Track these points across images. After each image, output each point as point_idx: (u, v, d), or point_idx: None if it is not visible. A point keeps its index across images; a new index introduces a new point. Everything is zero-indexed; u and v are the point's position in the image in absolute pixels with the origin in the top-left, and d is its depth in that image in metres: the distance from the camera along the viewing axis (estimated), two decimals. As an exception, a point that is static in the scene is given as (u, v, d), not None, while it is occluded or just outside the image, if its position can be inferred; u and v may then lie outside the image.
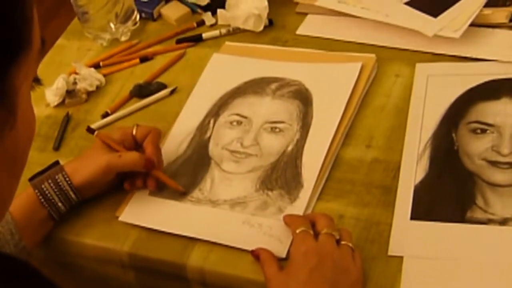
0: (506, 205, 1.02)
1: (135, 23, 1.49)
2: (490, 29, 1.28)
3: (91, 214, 1.15)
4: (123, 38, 1.47)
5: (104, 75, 1.40)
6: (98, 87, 1.38)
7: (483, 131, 1.11)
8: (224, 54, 1.38)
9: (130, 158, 1.13)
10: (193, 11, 1.51)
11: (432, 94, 1.19)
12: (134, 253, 1.10)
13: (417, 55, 1.28)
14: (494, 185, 1.04)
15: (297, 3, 1.45)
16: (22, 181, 1.13)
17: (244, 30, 1.42)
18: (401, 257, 0.99)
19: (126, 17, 1.46)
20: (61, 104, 1.36)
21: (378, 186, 1.09)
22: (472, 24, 1.26)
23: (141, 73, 1.39)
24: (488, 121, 1.12)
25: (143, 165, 1.13)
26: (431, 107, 1.17)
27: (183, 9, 1.51)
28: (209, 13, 1.48)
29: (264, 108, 1.23)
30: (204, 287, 1.06)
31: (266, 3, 1.39)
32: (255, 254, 1.02)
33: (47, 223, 1.12)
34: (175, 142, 1.23)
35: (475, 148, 1.09)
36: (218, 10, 1.46)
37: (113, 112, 1.32)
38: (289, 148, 1.16)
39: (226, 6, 1.43)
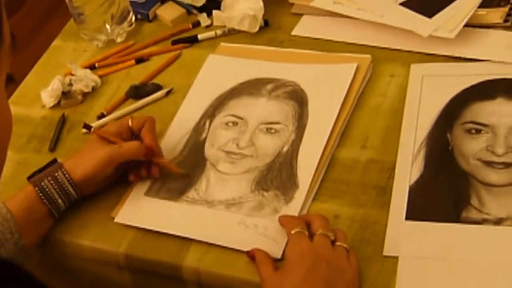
0: (501, 205, 1.02)
1: (131, 24, 1.49)
2: (484, 30, 1.28)
3: (87, 215, 1.15)
4: (118, 39, 1.47)
5: (100, 76, 1.40)
6: (93, 88, 1.38)
7: (478, 131, 1.11)
8: (220, 55, 1.38)
9: (130, 147, 1.14)
10: (189, 12, 1.51)
11: (427, 94, 1.20)
12: (130, 254, 1.10)
13: (412, 55, 1.28)
14: (489, 185, 1.04)
15: (292, 4, 1.45)
16: (20, 182, 1.15)
17: (240, 31, 1.42)
18: (396, 257, 0.99)
19: (122, 18, 1.46)
20: (57, 105, 1.36)
21: (373, 186, 1.09)
22: (467, 25, 1.26)
23: (137, 74, 1.40)
24: (483, 121, 1.12)
25: (143, 153, 1.14)
26: (426, 107, 1.17)
27: (178, 10, 1.51)
28: (204, 14, 1.48)
29: (260, 109, 1.24)
30: (200, 287, 1.07)
31: (261, 4, 1.39)
32: (251, 255, 1.02)
33: (47, 220, 1.12)
34: (171, 143, 1.23)
35: (470, 148, 1.09)
36: (214, 11, 1.46)
37: (108, 113, 1.32)
38: (285, 149, 1.17)
39: (222, 7, 1.43)
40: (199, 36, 1.44)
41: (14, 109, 0.78)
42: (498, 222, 1.00)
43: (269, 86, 1.27)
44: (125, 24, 1.47)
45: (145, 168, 1.17)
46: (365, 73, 1.25)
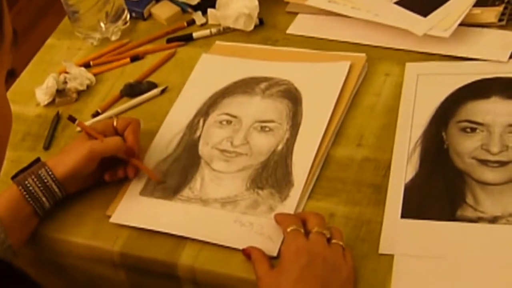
0: (496, 203, 1.02)
1: (126, 23, 1.49)
2: (479, 29, 1.28)
3: (82, 213, 1.15)
4: (113, 38, 1.47)
5: (95, 74, 1.40)
6: (88, 86, 1.38)
7: (473, 130, 1.12)
8: (214, 53, 1.38)
9: (112, 141, 1.14)
10: (184, 11, 1.51)
11: (422, 93, 1.20)
12: (125, 252, 1.10)
13: (407, 54, 1.28)
14: (484, 184, 1.05)
15: (287, 3, 1.45)
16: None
17: (235, 30, 1.42)
18: (392, 255, 1.00)
19: (117, 17, 1.46)
20: (51, 103, 1.36)
21: (369, 184, 1.09)
22: (462, 24, 1.26)
23: (132, 72, 1.39)
24: (478, 120, 1.13)
25: (124, 150, 1.14)
26: (421, 106, 1.18)
27: (173, 9, 1.51)
28: (199, 13, 1.48)
29: (254, 107, 1.24)
30: (195, 285, 1.07)
31: (256, 2, 1.39)
32: (246, 253, 1.02)
33: (32, 220, 1.12)
34: (164, 140, 1.23)
35: (465, 147, 1.10)
36: (209, 10, 1.46)
37: (103, 111, 1.32)
38: (279, 147, 1.17)
39: (217, 5, 1.43)
40: (194, 35, 1.44)
41: (8, 107, 0.78)
42: (493, 220, 1.00)
43: (263, 85, 1.27)
44: (120, 22, 1.47)
45: (123, 169, 1.17)
46: (360, 71, 1.26)
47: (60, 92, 1.36)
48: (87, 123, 1.29)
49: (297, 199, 1.09)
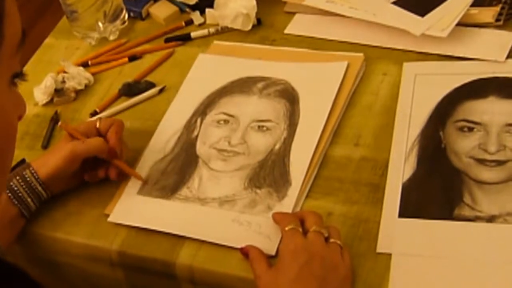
0: (493, 202, 1.02)
1: (124, 22, 1.49)
2: (476, 29, 1.29)
3: (80, 212, 1.15)
4: (111, 37, 1.47)
5: (93, 74, 1.40)
6: (86, 86, 1.38)
7: (470, 129, 1.12)
8: (212, 53, 1.39)
9: (93, 142, 1.14)
10: (182, 10, 1.51)
11: (420, 92, 1.20)
12: (123, 251, 1.10)
13: (404, 54, 1.28)
14: (481, 183, 1.05)
15: (285, 3, 1.45)
16: None
17: (233, 29, 1.42)
18: (390, 254, 1.00)
19: (115, 16, 1.46)
20: (50, 102, 1.36)
21: (367, 184, 1.10)
22: (459, 24, 1.27)
23: (130, 72, 1.40)
24: (475, 119, 1.13)
25: (106, 151, 1.14)
26: (419, 105, 1.18)
27: (171, 8, 1.51)
28: (197, 12, 1.48)
29: (251, 107, 1.24)
30: (193, 285, 1.07)
31: (254, 2, 1.39)
32: (244, 252, 1.02)
33: (18, 221, 1.12)
34: (162, 140, 1.23)
35: (463, 146, 1.10)
36: (207, 9, 1.46)
37: (101, 110, 1.32)
38: (277, 147, 1.17)
39: (215, 5, 1.43)
40: (192, 34, 1.44)
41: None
42: (491, 219, 1.01)
43: (260, 85, 1.27)
44: (118, 22, 1.47)
45: (104, 169, 1.17)
46: (358, 71, 1.26)
47: (59, 92, 1.36)
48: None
49: (295, 198, 1.09)
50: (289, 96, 1.24)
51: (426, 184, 1.07)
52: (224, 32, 1.43)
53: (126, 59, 1.42)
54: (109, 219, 1.13)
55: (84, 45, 1.48)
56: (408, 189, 1.07)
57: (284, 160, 1.15)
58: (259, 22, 1.42)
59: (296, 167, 1.13)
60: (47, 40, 1.53)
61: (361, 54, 1.28)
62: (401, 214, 1.04)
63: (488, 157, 1.08)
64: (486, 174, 1.06)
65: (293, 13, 1.43)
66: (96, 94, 1.37)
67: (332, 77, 1.25)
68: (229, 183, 1.14)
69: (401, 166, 1.10)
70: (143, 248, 1.09)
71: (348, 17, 1.35)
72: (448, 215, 1.02)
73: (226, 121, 1.23)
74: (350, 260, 0.98)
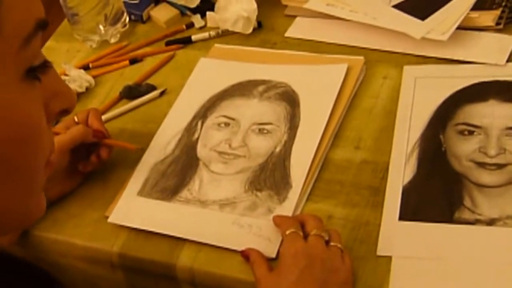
0: (493, 205, 1.02)
1: (125, 25, 1.49)
2: (477, 32, 1.29)
3: (81, 215, 1.15)
4: (112, 40, 1.48)
5: (94, 77, 1.40)
6: (87, 89, 1.38)
7: (471, 132, 1.12)
8: (213, 56, 1.39)
9: (75, 130, 1.15)
10: (182, 14, 1.51)
11: (420, 96, 1.20)
12: (123, 253, 1.10)
13: (404, 57, 1.28)
14: (481, 186, 1.05)
15: (286, 6, 1.45)
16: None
17: (233, 33, 1.42)
18: (390, 257, 1.00)
19: (116, 19, 1.47)
20: (51, 105, 1.36)
21: (367, 187, 1.10)
22: (459, 27, 1.27)
23: (131, 75, 1.40)
24: (475, 123, 1.13)
25: (93, 134, 1.16)
26: (419, 109, 1.18)
27: (172, 12, 1.51)
28: (198, 16, 1.49)
29: (252, 110, 1.24)
30: (194, 287, 1.07)
31: (255, 5, 1.39)
32: (245, 255, 1.02)
33: None
34: (163, 142, 1.23)
35: (463, 150, 1.10)
36: (208, 13, 1.46)
37: (102, 113, 1.32)
38: (277, 149, 1.17)
39: (215, 8, 1.43)
40: (193, 37, 1.44)
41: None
42: (491, 222, 1.01)
43: (261, 88, 1.28)
44: (119, 25, 1.48)
45: (95, 154, 1.18)
46: (358, 74, 1.26)
47: (59, 94, 1.36)
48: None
49: (295, 201, 1.09)
50: (289, 99, 1.24)
51: (426, 187, 1.07)
52: (225, 35, 1.44)
53: (127, 62, 1.43)
54: (109, 220, 1.13)
55: (85, 48, 1.49)
56: (408, 192, 1.07)
57: (284, 163, 1.15)
58: (259, 25, 1.43)
59: (297, 170, 1.13)
60: (48, 43, 1.53)
61: (361, 57, 1.29)
62: (402, 217, 1.04)
63: (488, 160, 1.08)
64: (486, 177, 1.06)
65: (294, 16, 1.44)
66: (97, 96, 1.37)
67: (332, 79, 1.25)
68: (230, 186, 1.14)
69: (401, 169, 1.10)
70: (144, 250, 1.09)
71: (348, 20, 1.36)
72: (448, 218, 1.02)
73: (226, 124, 1.23)
74: (350, 263, 0.98)
